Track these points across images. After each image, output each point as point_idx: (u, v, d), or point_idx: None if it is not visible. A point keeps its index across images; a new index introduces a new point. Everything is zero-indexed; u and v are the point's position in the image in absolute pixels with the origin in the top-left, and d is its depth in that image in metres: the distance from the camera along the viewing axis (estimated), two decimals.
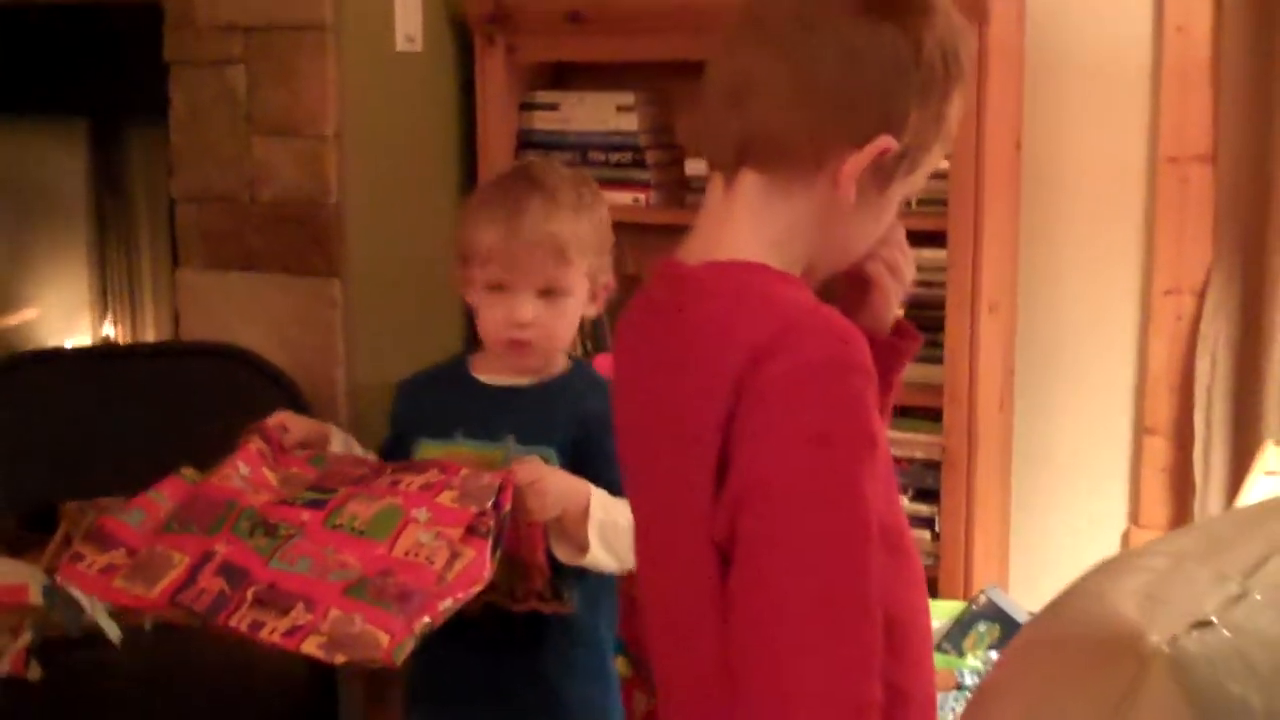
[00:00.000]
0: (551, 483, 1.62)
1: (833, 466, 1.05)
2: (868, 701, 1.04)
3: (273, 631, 1.55)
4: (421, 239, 2.67)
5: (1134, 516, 2.63)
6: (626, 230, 2.73)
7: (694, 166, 2.60)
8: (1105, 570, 0.79)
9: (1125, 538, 2.64)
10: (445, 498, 1.61)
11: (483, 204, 1.72)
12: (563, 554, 1.64)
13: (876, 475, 1.06)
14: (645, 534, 1.24)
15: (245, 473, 1.72)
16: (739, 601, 1.06)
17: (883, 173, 1.12)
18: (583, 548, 1.63)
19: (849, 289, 1.25)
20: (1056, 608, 0.77)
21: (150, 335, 2.92)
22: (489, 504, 1.57)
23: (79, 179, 2.94)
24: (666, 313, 1.16)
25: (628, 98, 2.63)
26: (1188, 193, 2.52)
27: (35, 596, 2.06)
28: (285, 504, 1.67)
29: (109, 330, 2.97)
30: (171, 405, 2.33)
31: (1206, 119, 2.49)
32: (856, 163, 1.10)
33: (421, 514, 1.60)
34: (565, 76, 2.75)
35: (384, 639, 1.51)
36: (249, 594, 1.59)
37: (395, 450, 1.79)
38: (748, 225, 1.14)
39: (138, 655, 2.05)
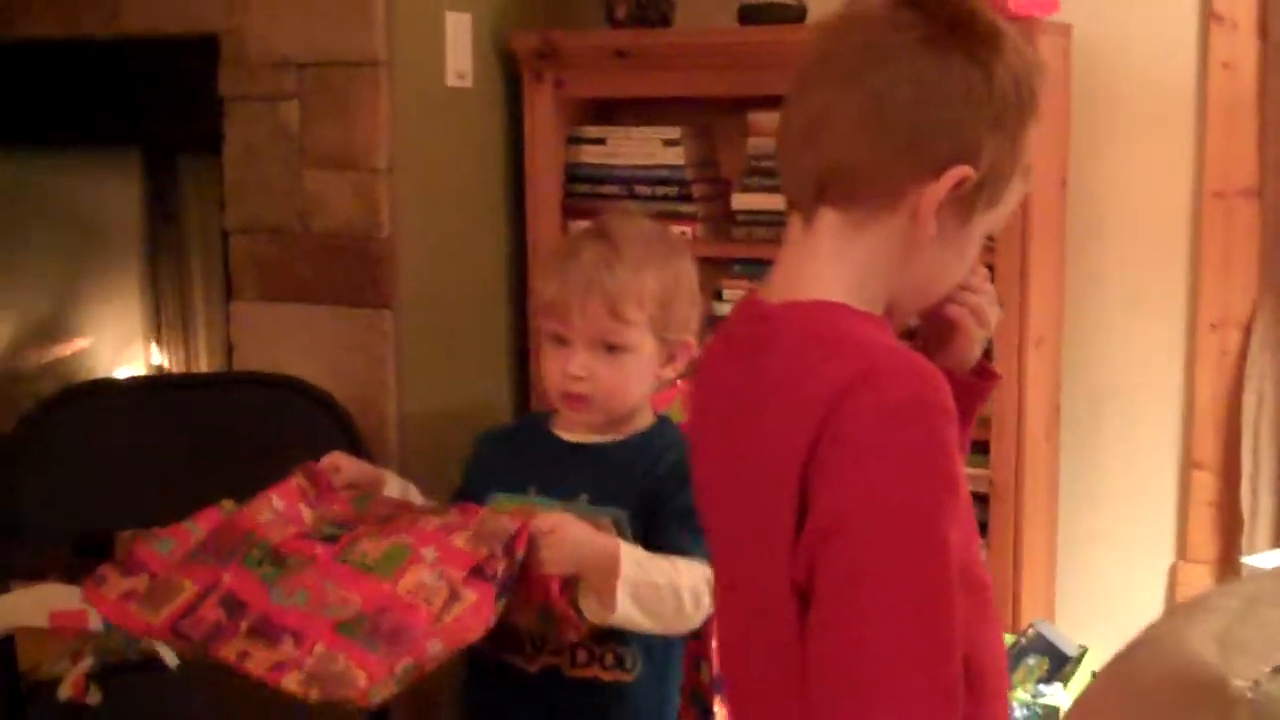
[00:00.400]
0: (570, 534, 1.56)
1: (914, 508, 1.05)
2: None
3: (258, 664, 1.54)
4: (472, 271, 2.70)
5: (1181, 551, 2.63)
6: None
7: (740, 200, 2.62)
8: (1178, 614, 0.80)
9: (1172, 572, 2.63)
10: (458, 538, 1.57)
11: (551, 254, 1.77)
12: (590, 612, 1.59)
13: (957, 516, 1.06)
14: (724, 575, 1.25)
15: (279, 506, 1.71)
16: (819, 642, 1.06)
17: (962, 205, 1.12)
18: (611, 606, 1.56)
19: (931, 331, 1.25)
20: (1132, 652, 0.77)
21: (202, 365, 2.96)
22: (500, 548, 1.52)
23: (133, 210, 2.98)
24: (748, 352, 1.16)
25: (674, 132, 2.66)
26: (1233, 227, 2.53)
27: (95, 622, 2.09)
28: (303, 538, 1.66)
29: (161, 360, 3.01)
30: (225, 435, 2.35)
31: (1252, 154, 2.50)
32: (934, 194, 1.10)
33: (429, 553, 1.56)
34: (612, 111, 2.78)
35: (362, 679, 1.48)
36: (242, 625, 1.58)
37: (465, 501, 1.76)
38: (828, 264, 1.14)
39: (196, 680, 2.07)
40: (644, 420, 1.75)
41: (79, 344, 3.08)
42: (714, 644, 2.07)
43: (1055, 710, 2.21)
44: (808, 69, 1.16)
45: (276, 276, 2.61)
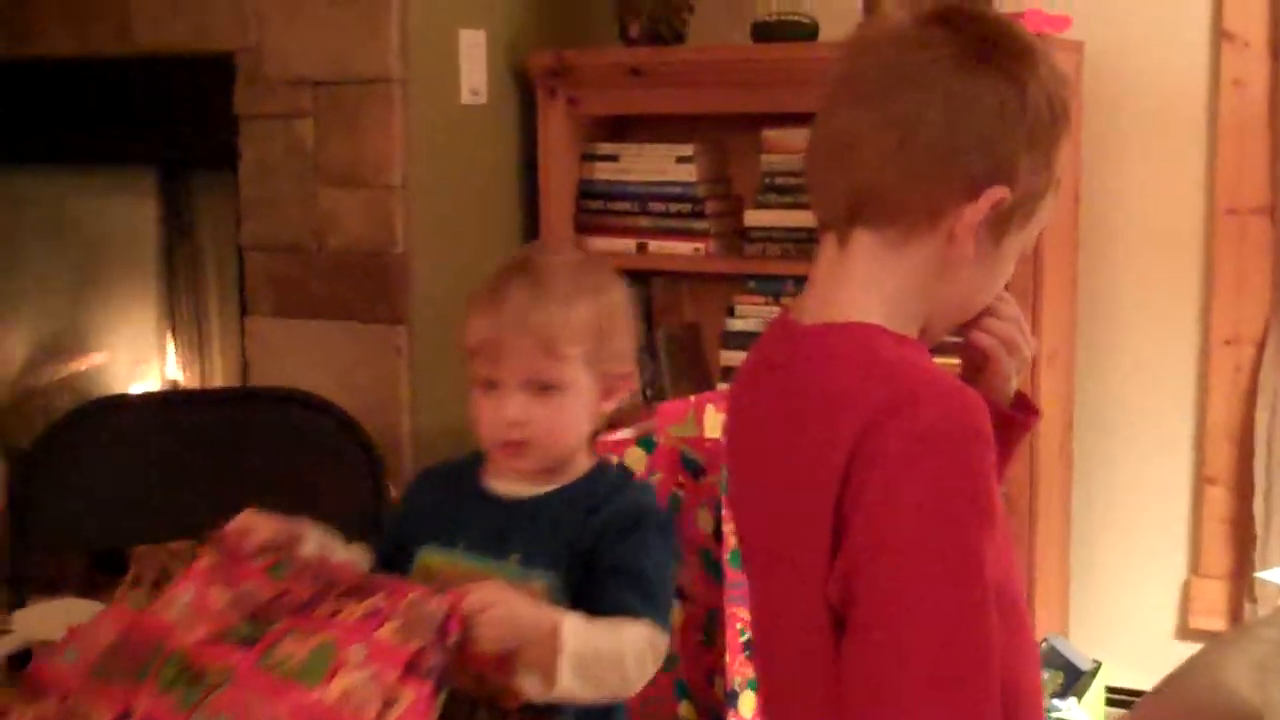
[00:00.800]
0: (506, 611, 1.42)
1: (951, 533, 1.04)
2: None
3: None
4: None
5: (1194, 566, 2.63)
6: (685, 280, 2.78)
7: (753, 217, 2.63)
8: (1221, 643, 0.80)
9: (1185, 587, 2.63)
10: (386, 631, 1.42)
11: (475, 295, 1.61)
12: (529, 687, 1.46)
13: (993, 540, 1.05)
14: (760, 594, 1.24)
15: (188, 598, 1.55)
16: (854, 664, 1.06)
17: (997, 224, 1.12)
18: (552, 682, 1.45)
19: (965, 363, 1.24)
20: (1174, 684, 0.77)
21: (217, 381, 2.97)
22: (432, 635, 1.39)
23: (149, 227, 2.99)
24: (782, 373, 1.16)
25: (687, 149, 2.67)
26: (1246, 244, 2.53)
27: None
28: (218, 641, 1.49)
29: (176, 375, 3.02)
30: (239, 449, 2.36)
31: (1264, 172, 2.51)
32: (972, 215, 1.10)
33: (357, 652, 1.42)
34: (625, 128, 2.79)
35: None
36: None
37: (397, 556, 1.63)
38: (863, 285, 1.13)
39: None
40: (581, 465, 1.63)
41: (95, 359, 3.10)
42: (727, 657, 2.08)
43: None
44: (834, 89, 1.15)
45: (291, 292, 2.63)
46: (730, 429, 1.29)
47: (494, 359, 1.55)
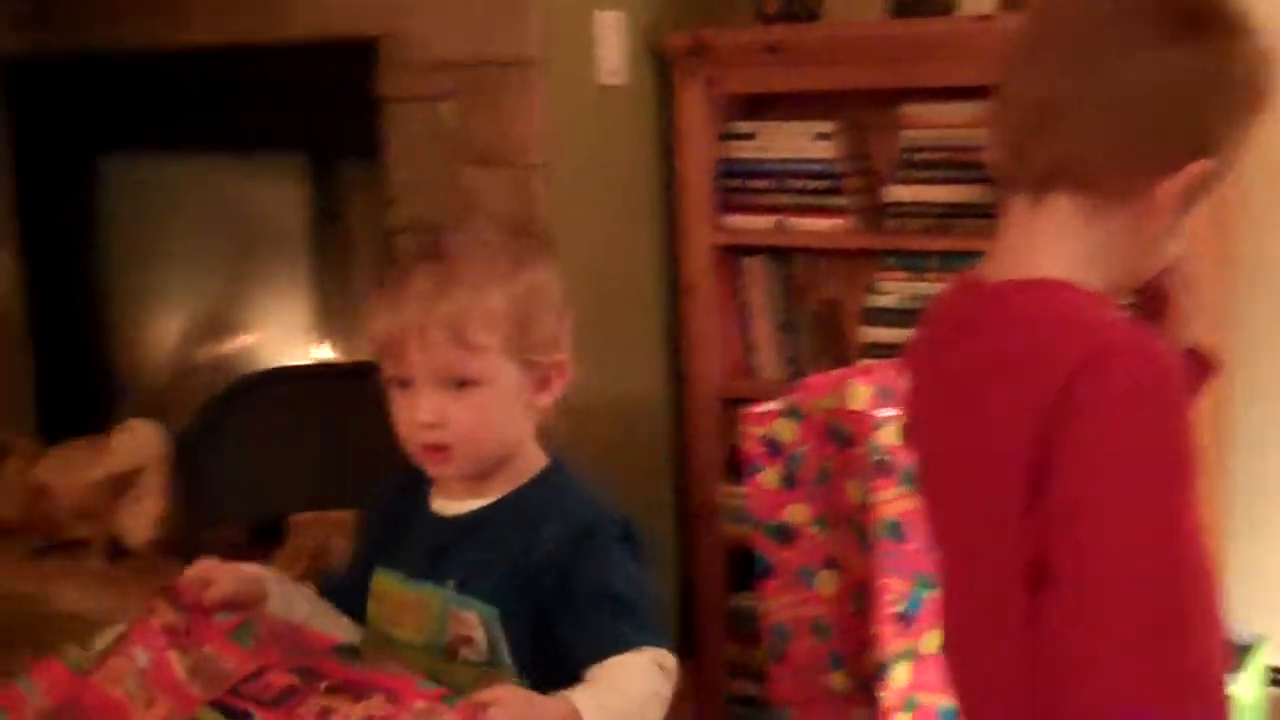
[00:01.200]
0: (516, 713, 1.23)
1: (1153, 491, 1.05)
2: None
3: None
4: (625, 266, 2.75)
5: None
6: (825, 257, 2.79)
7: (893, 193, 2.63)
8: None
9: None
10: None
11: (379, 285, 1.45)
12: None
13: (1194, 497, 1.07)
14: (951, 554, 1.26)
15: (143, 663, 1.34)
16: (1050, 625, 1.07)
17: (1191, 194, 1.13)
18: None
19: (1143, 311, 1.25)
20: None
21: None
22: None
23: (299, 211, 3.08)
24: (974, 331, 1.17)
25: (825, 126, 2.68)
26: None
27: None
28: None
29: (326, 356, 3.11)
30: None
31: None
32: (1173, 188, 1.11)
33: None
34: (763, 106, 2.80)
35: None
36: None
37: (357, 585, 1.49)
38: (1056, 246, 1.15)
39: None
40: (528, 466, 1.49)
41: (246, 340, 3.20)
42: (876, 628, 2.09)
43: (1232, 698, 2.18)
44: (1033, 51, 1.15)
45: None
46: (911, 396, 1.30)
47: (400, 355, 1.40)
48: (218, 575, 1.40)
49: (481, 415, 1.41)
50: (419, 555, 1.45)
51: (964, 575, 1.23)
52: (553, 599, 1.38)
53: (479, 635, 1.37)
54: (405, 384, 1.43)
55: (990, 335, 1.15)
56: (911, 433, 1.33)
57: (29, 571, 2.93)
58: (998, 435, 1.11)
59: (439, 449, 1.42)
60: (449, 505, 1.48)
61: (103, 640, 1.40)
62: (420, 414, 1.40)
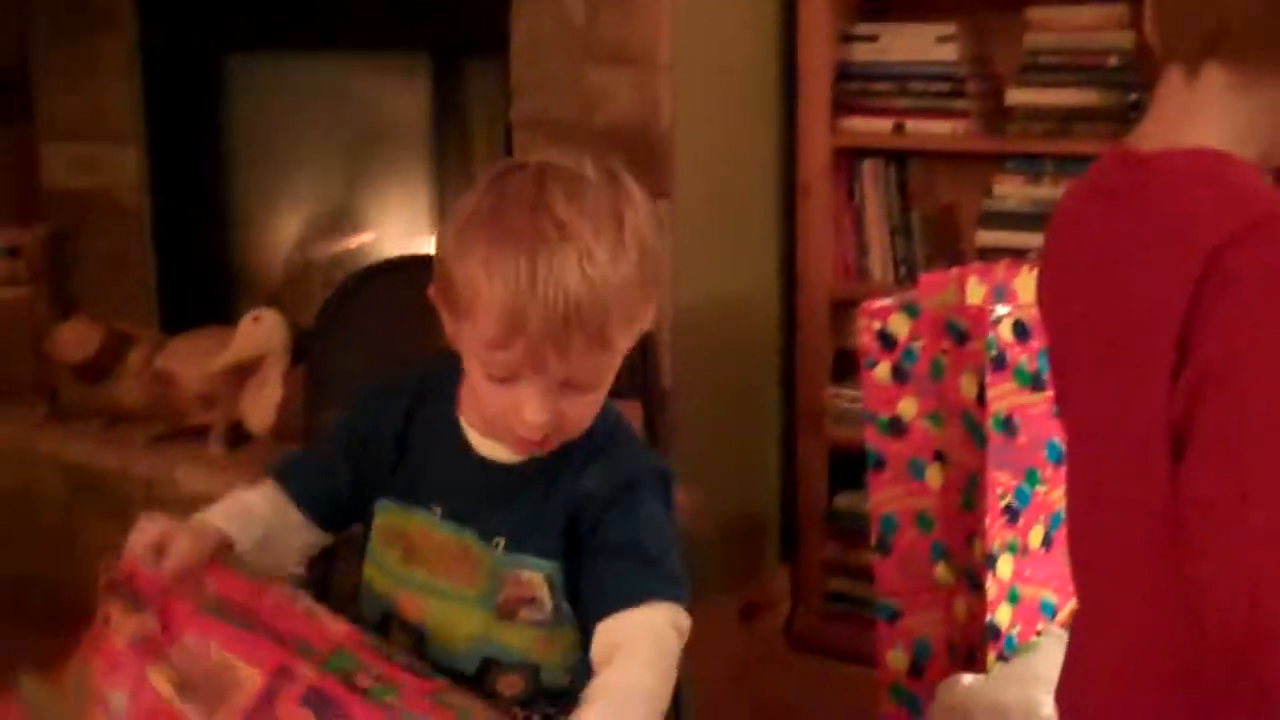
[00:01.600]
0: None
1: None
2: None
3: None
4: (744, 166, 2.78)
5: None
6: (942, 160, 2.80)
7: (1014, 96, 2.62)
8: None
9: None
10: None
11: (492, 245, 1.18)
12: None
13: None
14: (1082, 422, 1.27)
15: (120, 703, 1.11)
16: (1194, 485, 1.08)
17: None
18: None
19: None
20: None
21: None
22: None
23: (421, 109, 3.13)
24: (1123, 198, 1.18)
25: (948, 28, 2.67)
26: None
27: None
28: None
29: None
30: None
31: None
32: None
33: None
34: (885, 8, 2.80)
35: None
36: None
37: (332, 494, 1.35)
38: (1212, 117, 1.16)
39: None
40: None
41: (366, 238, 3.26)
42: (986, 520, 2.12)
43: None
44: None
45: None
46: (1050, 261, 1.31)
47: (524, 353, 1.18)
48: (171, 538, 1.20)
49: (593, 410, 1.27)
50: (461, 499, 1.30)
51: (1098, 451, 1.24)
52: (583, 547, 1.28)
53: (543, 594, 1.28)
54: (513, 379, 1.21)
55: (1141, 201, 1.16)
56: (1047, 304, 1.34)
57: (153, 456, 3.03)
58: (1144, 301, 1.12)
59: (538, 442, 1.26)
60: (494, 453, 1.31)
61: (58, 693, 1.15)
62: (530, 415, 1.21)
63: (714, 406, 2.73)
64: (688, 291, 2.67)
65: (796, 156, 2.78)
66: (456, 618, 1.30)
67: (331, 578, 1.55)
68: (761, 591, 2.88)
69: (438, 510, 1.30)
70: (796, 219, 2.81)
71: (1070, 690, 1.31)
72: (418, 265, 2.73)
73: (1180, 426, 1.10)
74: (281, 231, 3.36)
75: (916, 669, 2.26)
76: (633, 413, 2.54)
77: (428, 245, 3.16)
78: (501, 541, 1.28)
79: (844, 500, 2.83)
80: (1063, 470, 1.36)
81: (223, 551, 1.24)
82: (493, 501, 1.29)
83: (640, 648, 1.20)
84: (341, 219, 3.29)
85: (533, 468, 1.29)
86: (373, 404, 1.36)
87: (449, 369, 1.31)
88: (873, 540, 2.29)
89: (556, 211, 1.18)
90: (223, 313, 3.17)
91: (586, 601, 1.27)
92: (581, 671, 1.25)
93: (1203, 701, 1.12)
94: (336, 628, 1.21)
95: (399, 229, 3.20)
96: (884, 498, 2.28)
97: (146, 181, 3.29)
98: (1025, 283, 2.24)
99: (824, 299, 2.79)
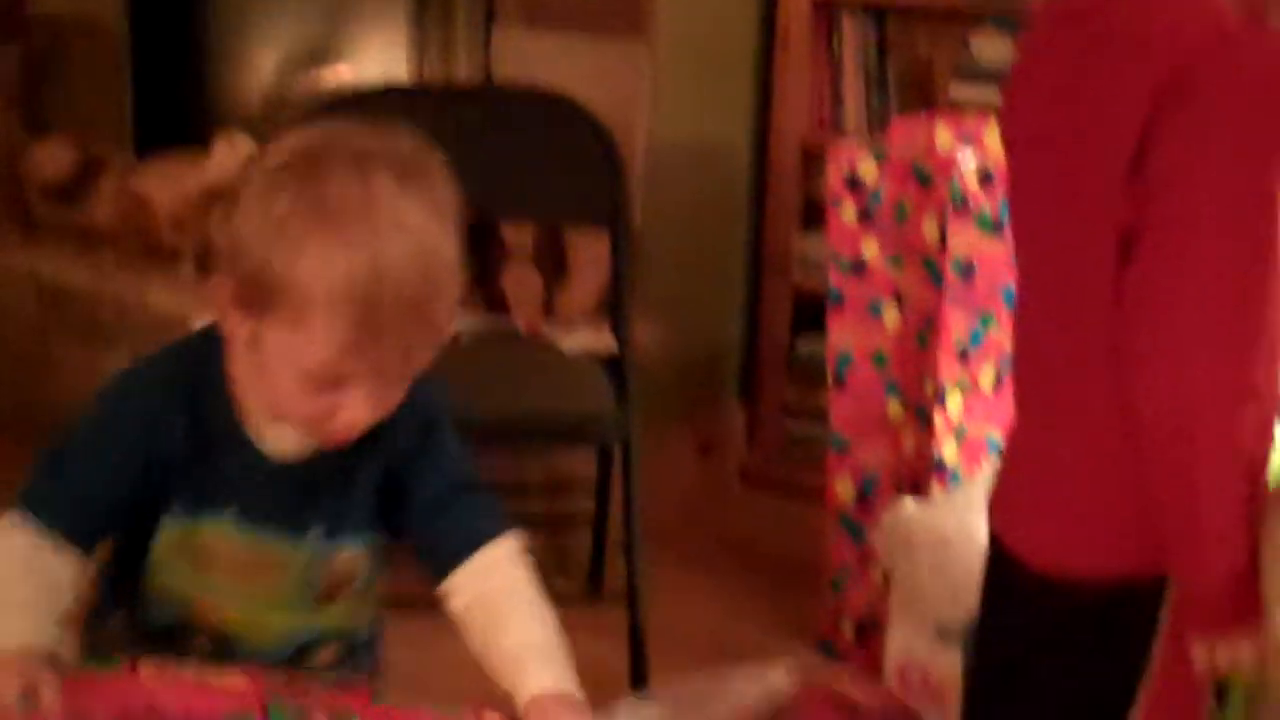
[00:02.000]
0: None
1: (1264, 172, 1.10)
2: (1253, 390, 1.11)
3: None
4: (724, 11, 2.81)
5: None
6: (920, 15, 2.81)
7: None
8: None
9: None
10: None
11: (329, 247, 1.07)
12: None
13: None
14: (1035, 222, 1.31)
15: None
16: (1146, 285, 1.13)
17: None
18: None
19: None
20: None
21: None
22: None
23: None
24: (1090, 16, 1.20)
25: None
26: None
27: None
28: None
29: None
30: (493, 147, 2.36)
31: None
32: None
33: None
34: None
35: None
36: None
37: (122, 519, 1.21)
38: None
39: None
40: None
41: (342, 71, 3.25)
42: (940, 356, 2.20)
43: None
44: None
45: (539, 4, 2.74)
46: (1019, 75, 1.34)
47: (372, 364, 1.10)
48: (38, 680, 1.06)
49: (406, 392, 1.16)
50: (258, 499, 1.20)
51: (1051, 261, 1.28)
52: (404, 494, 1.24)
53: (363, 566, 1.26)
54: (337, 383, 1.11)
55: (1106, 17, 1.19)
56: (1009, 115, 1.37)
57: (127, 277, 3.06)
58: (1107, 109, 1.15)
59: (344, 439, 1.16)
60: (281, 444, 1.20)
61: None
62: (359, 419, 1.13)
63: (682, 244, 2.79)
64: (663, 132, 2.70)
65: (776, 6, 2.81)
66: (265, 620, 1.24)
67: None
68: (719, 428, 2.96)
69: (231, 515, 1.20)
70: (773, 68, 2.84)
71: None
72: (385, 95, 2.77)
73: (1131, 230, 1.15)
74: (259, 61, 3.34)
75: (863, 499, 2.35)
76: (599, 242, 2.61)
77: (404, 79, 3.19)
78: (319, 532, 1.22)
79: (805, 345, 2.90)
80: None
81: (58, 666, 1.09)
82: (295, 498, 1.21)
83: (521, 587, 1.21)
84: (320, 52, 3.28)
85: (332, 454, 1.19)
86: (138, 407, 1.19)
87: (208, 353, 1.18)
88: (829, 375, 2.37)
89: (394, 206, 1.08)
90: (198, 139, 3.16)
91: (431, 547, 1.24)
92: (377, 617, 1.28)
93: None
94: (235, 681, 1.14)
95: (376, 64, 3.19)
96: (842, 335, 2.35)
97: (128, 5, 3.26)
98: (994, 133, 2.29)
99: (796, 147, 2.84)
